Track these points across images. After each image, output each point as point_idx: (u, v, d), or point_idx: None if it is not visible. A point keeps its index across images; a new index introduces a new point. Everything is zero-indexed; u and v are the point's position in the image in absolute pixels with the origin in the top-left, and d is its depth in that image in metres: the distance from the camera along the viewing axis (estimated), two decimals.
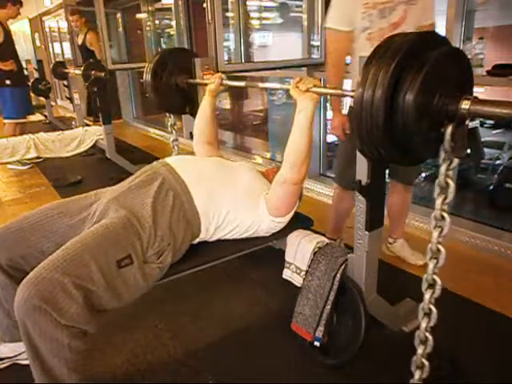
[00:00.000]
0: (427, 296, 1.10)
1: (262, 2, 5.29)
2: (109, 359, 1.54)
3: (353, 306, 1.42)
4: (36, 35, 8.97)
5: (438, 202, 1.03)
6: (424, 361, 1.15)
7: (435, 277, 1.08)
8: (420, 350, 1.15)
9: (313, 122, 1.40)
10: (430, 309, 1.11)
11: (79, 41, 5.30)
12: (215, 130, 1.94)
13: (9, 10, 3.85)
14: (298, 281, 1.58)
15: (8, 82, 3.92)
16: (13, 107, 4.07)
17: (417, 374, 1.17)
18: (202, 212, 1.44)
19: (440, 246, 1.06)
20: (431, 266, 1.07)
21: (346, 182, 1.91)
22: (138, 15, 6.08)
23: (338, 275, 1.44)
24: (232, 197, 1.50)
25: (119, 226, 1.28)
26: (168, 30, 6.14)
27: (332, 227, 2.15)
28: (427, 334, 1.13)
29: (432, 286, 1.09)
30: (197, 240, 1.49)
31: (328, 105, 3.28)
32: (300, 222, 1.76)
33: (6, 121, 4.15)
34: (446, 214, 1.03)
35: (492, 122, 6.29)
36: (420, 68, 0.90)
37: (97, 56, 4.95)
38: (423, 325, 1.12)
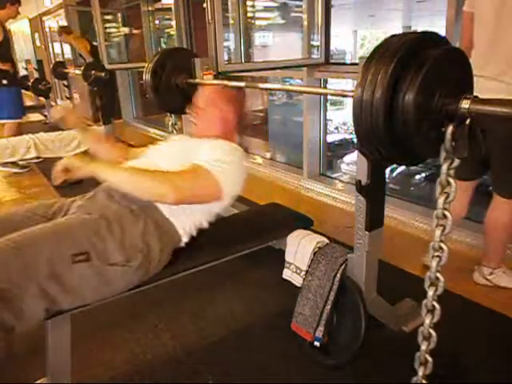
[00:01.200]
0: (430, 293, 1.10)
1: (260, 1, 5.29)
2: (109, 359, 1.54)
3: (353, 306, 1.42)
4: (36, 35, 8.97)
5: (440, 200, 1.03)
6: (427, 357, 1.16)
7: (438, 274, 1.09)
8: (424, 347, 1.15)
9: (106, 169, 1.30)
10: (433, 305, 1.11)
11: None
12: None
13: (8, 10, 3.86)
14: (297, 281, 1.58)
15: (5, 81, 3.94)
16: (12, 107, 4.08)
17: (420, 371, 1.17)
18: (168, 214, 1.36)
19: (442, 244, 1.06)
20: (434, 263, 1.08)
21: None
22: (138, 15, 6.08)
23: (338, 275, 1.44)
24: None
25: (77, 222, 1.25)
26: (168, 30, 6.14)
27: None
28: (431, 331, 1.13)
29: (435, 283, 1.10)
30: (183, 242, 1.43)
31: (328, 105, 3.29)
32: (300, 221, 1.76)
33: (6, 121, 4.14)
34: (447, 213, 1.04)
35: None
36: (419, 68, 0.90)
37: (85, 58, 5.04)
38: (427, 321, 1.12)
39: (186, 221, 1.41)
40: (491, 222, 1.80)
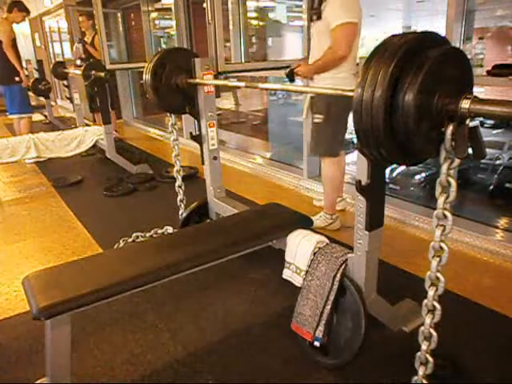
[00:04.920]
0: (431, 293, 1.10)
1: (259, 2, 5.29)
2: (109, 359, 1.54)
3: (353, 306, 1.42)
4: (36, 35, 8.97)
5: (440, 200, 1.03)
6: (428, 357, 1.16)
7: (439, 274, 1.08)
8: (424, 346, 1.15)
9: None
10: (433, 305, 1.11)
11: (87, 39, 5.36)
12: None
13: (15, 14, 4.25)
14: (297, 281, 1.58)
15: (17, 78, 4.28)
16: (24, 101, 4.44)
17: (421, 370, 1.17)
18: None
19: (443, 244, 1.06)
20: (434, 263, 1.08)
21: (337, 149, 2.34)
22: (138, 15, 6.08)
23: (338, 275, 1.44)
24: None
25: None
26: (168, 30, 6.14)
27: (332, 202, 2.46)
28: (431, 331, 1.13)
29: (435, 283, 1.10)
30: None
31: None
32: (300, 221, 1.76)
33: (23, 115, 4.44)
34: (448, 213, 1.04)
35: (492, 122, 6.32)
36: (419, 68, 0.90)
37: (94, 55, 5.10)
38: (427, 321, 1.12)
39: None
40: (323, 177, 2.44)
